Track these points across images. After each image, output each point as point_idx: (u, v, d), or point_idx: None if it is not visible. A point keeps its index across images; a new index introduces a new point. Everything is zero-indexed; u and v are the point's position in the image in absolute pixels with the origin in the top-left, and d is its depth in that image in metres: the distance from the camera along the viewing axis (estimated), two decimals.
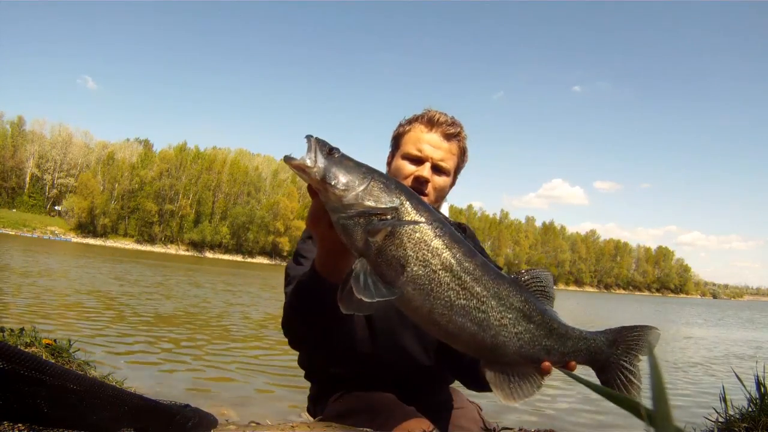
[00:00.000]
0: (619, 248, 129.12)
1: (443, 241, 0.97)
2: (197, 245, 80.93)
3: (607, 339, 1.08)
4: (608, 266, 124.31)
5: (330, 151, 0.99)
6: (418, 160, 1.52)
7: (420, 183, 1.49)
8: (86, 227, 76.33)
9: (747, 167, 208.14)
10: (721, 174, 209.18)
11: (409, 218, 0.97)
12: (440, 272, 0.95)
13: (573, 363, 1.06)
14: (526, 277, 1.06)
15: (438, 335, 1.01)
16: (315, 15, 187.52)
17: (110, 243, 74.27)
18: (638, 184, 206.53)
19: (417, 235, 0.96)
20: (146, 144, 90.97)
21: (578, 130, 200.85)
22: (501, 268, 1.06)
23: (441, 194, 1.54)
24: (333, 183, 0.95)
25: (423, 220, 0.98)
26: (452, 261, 0.96)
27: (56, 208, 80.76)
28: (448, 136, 1.54)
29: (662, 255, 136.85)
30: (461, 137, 1.58)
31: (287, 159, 0.97)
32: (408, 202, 0.98)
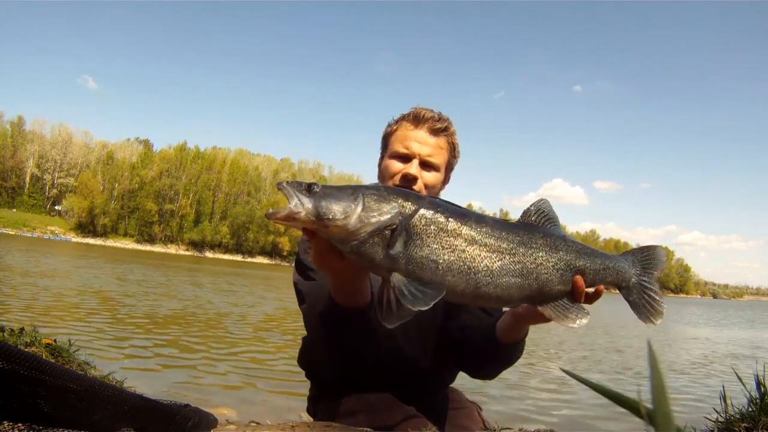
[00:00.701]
0: (618, 248, 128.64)
1: (455, 219, 0.99)
2: (197, 245, 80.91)
3: (626, 260, 1.15)
4: None
5: (309, 188, 0.97)
6: (405, 158, 1.51)
7: (408, 181, 1.47)
8: (86, 227, 76.31)
9: (747, 167, 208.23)
10: (722, 174, 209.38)
11: (415, 216, 0.97)
12: (468, 249, 0.98)
13: (601, 287, 1.10)
14: (532, 216, 1.11)
15: (490, 304, 1.05)
16: (315, 14, 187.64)
17: (110, 243, 74.25)
18: (638, 184, 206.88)
19: (432, 227, 0.97)
20: (146, 144, 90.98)
21: (579, 130, 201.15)
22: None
23: (432, 191, 1.52)
24: (330, 217, 0.94)
25: (428, 211, 0.98)
26: (472, 233, 0.99)
27: (56, 207, 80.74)
28: (435, 131, 1.52)
29: None
30: (449, 132, 1.56)
31: (271, 216, 0.95)
32: (407, 201, 0.99)
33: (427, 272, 0.95)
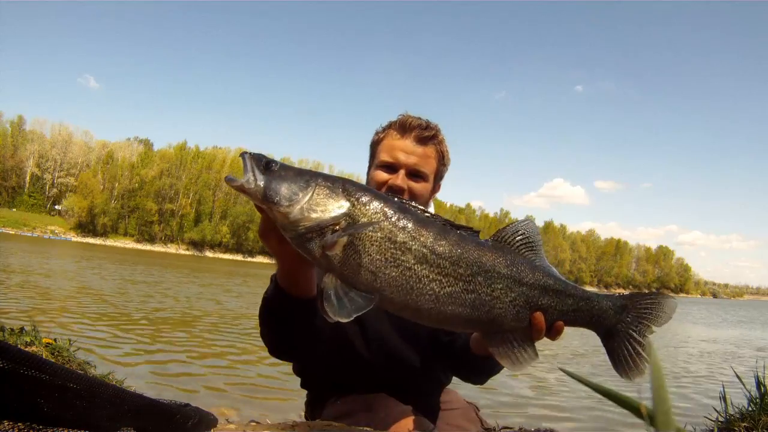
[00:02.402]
0: (619, 247, 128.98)
1: (409, 232, 0.91)
2: (197, 245, 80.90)
3: (614, 304, 1.02)
4: (608, 265, 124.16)
5: (267, 166, 0.93)
6: (392, 168, 1.47)
7: (394, 192, 1.42)
8: (86, 227, 76.31)
9: (748, 167, 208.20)
10: (722, 174, 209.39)
11: (366, 218, 0.91)
12: (415, 267, 0.90)
13: (561, 323, 1.00)
14: (506, 235, 1.00)
15: (431, 325, 0.98)
16: (316, 14, 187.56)
17: (110, 242, 74.25)
18: (639, 184, 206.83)
19: (378, 234, 0.90)
20: (146, 143, 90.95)
21: (580, 130, 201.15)
22: (478, 232, 0.99)
23: (420, 200, 1.47)
24: (276, 200, 0.90)
25: (380, 217, 0.91)
26: (424, 251, 0.91)
27: (56, 207, 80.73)
28: (422, 140, 1.48)
29: (662, 254, 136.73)
30: (438, 140, 1.51)
31: (228, 180, 0.92)
32: (360, 201, 0.92)
33: (361, 282, 0.89)
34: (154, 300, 11.52)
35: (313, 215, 0.89)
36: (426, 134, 1.48)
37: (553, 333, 1.01)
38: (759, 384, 1.67)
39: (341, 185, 0.94)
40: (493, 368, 1.41)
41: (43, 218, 77.67)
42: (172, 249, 78.83)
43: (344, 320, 0.87)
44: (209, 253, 79.66)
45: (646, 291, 1.09)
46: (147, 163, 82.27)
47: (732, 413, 1.72)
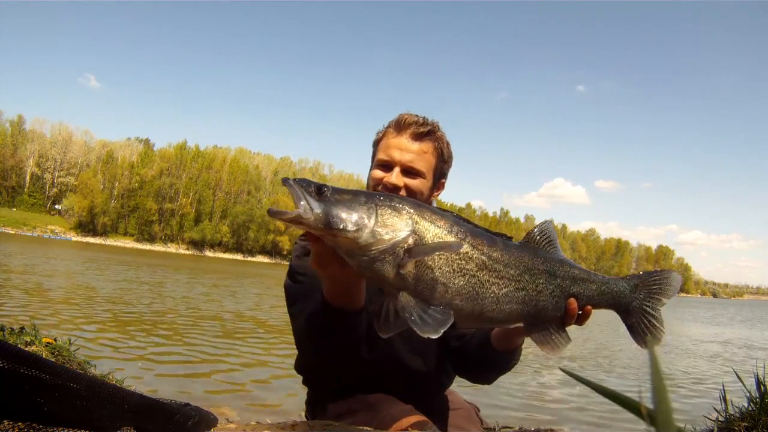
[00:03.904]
0: (619, 247, 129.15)
1: (468, 242, 0.97)
2: (197, 244, 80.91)
3: (629, 284, 1.14)
4: (608, 265, 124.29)
5: (320, 191, 0.90)
6: (387, 166, 1.47)
7: (389, 190, 1.43)
8: (86, 226, 76.33)
9: (748, 167, 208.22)
10: (723, 173, 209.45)
11: (430, 234, 0.93)
12: (478, 274, 0.96)
13: (589, 308, 1.10)
14: (536, 238, 1.10)
15: (489, 327, 1.06)
16: (317, 13, 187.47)
17: (110, 242, 74.27)
18: (640, 184, 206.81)
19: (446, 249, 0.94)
20: (146, 143, 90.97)
21: (580, 130, 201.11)
22: (511, 237, 1.08)
23: (420, 197, 1.47)
24: (340, 227, 0.88)
25: (444, 231, 0.95)
26: (483, 258, 0.97)
27: (56, 207, 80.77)
28: (417, 136, 1.47)
29: (662, 254, 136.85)
30: (435, 136, 1.51)
31: (275, 215, 0.89)
32: (421, 217, 0.95)
33: (436, 295, 0.92)
34: (155, 299, 11.52)
35: (386, 236, 0.90)
36: (421, 130, 1.48)
37: (583, 317, 1.11)
38: (759, 384, 1.67)
39: (398, 201, 0.96)
40: (509, 364, 1.44)
41: (43, 218, 77.68)
42: (172, 248, 78.84)
43: (434, 336, 0.89)
44: (209, 253, 79.67)
45: (653, 270, 1.17)
46: (147, 162, 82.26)
47: (732, 413, 1.72)
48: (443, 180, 1.58)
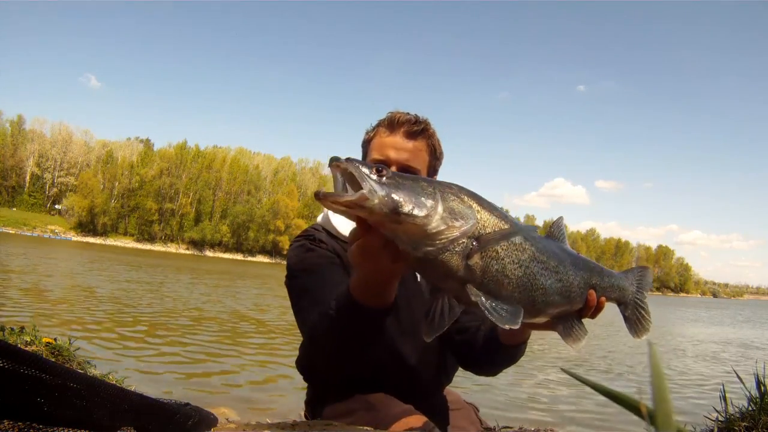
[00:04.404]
0: (619, 247, 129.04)
1: (520, 233, 0.94)
2: (197, 244, 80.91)
3: (627, 278, 1.22)
4: (608, 265, 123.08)
5: (379, 173, 0.82)
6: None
7: None
8: (86, 226, 76.34)
9: (748, 166, 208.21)
10: (723, 173, 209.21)
11: (491, 223, 0.90)
12: (530, 265, 0.94)
13: (603, 299, 1.13)
14: (553, 230, 1.11)
15: (533, 318, 1.03)
16: (317, 13, 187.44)
17: (110, 242, 74.28)
18: (640, 184, 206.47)
19: (505, 240, 0.91)
20: (146, 143, 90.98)
21: (581, 130, 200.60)
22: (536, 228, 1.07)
23: None
24: (407, 211, 0.80)
25: (502, 221, 0.92)
26: (533, 249, 0.95)
27: (56, 206, 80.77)
28: (411, 135, 1.46)
29: (662, 254, 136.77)
30: (428, 134, 1.50)
31: (325, 197, 0.80)
32: (480, 205, 0.91)
33: (501, 287, 0.89)
34: (155, 299, 11.52)
35: (457, 223, 0.84)
36: (415, 128, 1.46)
37: (598, 310, 1.13)
38: (759, 384, 1.67)
39: (459, 189, 0.91)
40: (515, 357, 1.44)
41: (43, 218, 77.68)
42: (172, 248, 78.85)
43: (515, 327, 0.86)
44: (209, 253, 79.68)
45: (633, 267, 1.30)
46: (147, 162, 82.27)
47: (732, 413, 1.72)
48: (435, 176, 1.57)
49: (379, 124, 1.51)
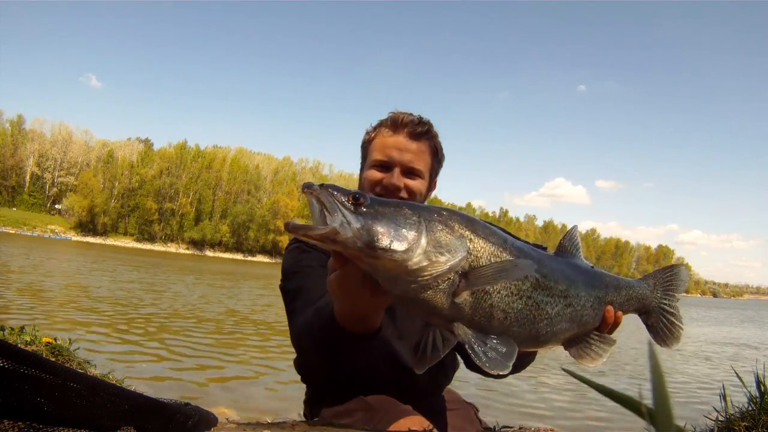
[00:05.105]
0: (619, 247, 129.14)
1: (518, 265, 0.84)
2: (197, 244, 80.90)
3: (647, 284, 1.11)
4: (608, 265, 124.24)
5: (356, 201, 0.75)
6: (386, 166, 1.43)
7: (390, 191, 1.39)
8: (86, 226, 76.33)
9: (749, 166, 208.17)
10: (723, 173, 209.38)
11: (486, 254, 0.81)
12: (534, 294, 0.85)
13: (620, 313, 1.05)
14: (564, 243, 1.04)
15: (538, 348, 0.96)
16: (318, 12, 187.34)
17: (110, 241, 74.26)
18: (641, 184, 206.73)
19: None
20: (146, 143, 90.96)
21: (581, 129, 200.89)
22: (546, 247, 1.01)
23: (419, 199, 1.44)
24: (384, 246, 0.72)
25: (499, 248, 0.83)
26: (536, 276, 0.86)
27: (56, 206, 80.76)
28: (415, 136, 1.44)
29: (662, 254, 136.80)
30: (431, 135, 1.47)
31: (295, 229, 0.74)
32: (474, 233, 0.81)
33: (494, 323, 0.80)
34: (155, 299, 11.52)
35: (442, 258, 0.74)
36: (419, 129, 1.45)
37: (615, 325, 1.06)
38: (759, 383, 1.67)
39: (449, 216, 0.81)
40: (523, 362, 1.40)
41: (43, 217, 77.67)
42: (172, 248, 78.83)
43: (504, 373, 0.78)
44: (209, 252, 79.66)
45: (663, 267, 1.16)
46: (147, 162, 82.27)
47: (732, 412, 1.72)
48: (436, 179, 1.57)
49: (381, 124, 1.49)
